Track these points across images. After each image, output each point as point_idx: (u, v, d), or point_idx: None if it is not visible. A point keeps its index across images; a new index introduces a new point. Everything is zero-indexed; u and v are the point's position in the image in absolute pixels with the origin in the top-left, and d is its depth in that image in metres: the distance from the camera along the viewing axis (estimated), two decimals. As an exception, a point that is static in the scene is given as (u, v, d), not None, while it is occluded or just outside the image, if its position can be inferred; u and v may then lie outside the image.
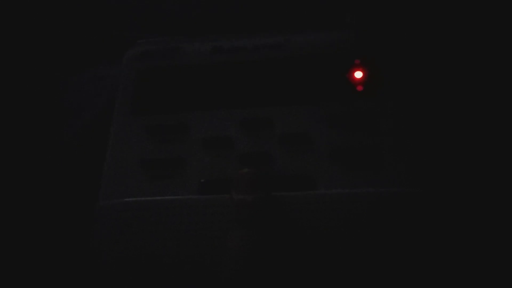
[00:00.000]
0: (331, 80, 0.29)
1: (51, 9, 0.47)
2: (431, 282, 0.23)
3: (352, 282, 0.23)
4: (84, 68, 0.44)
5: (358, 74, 0.28)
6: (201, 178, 0.27)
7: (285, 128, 0.28)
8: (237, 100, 0.29)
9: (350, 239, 0.24)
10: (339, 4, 0.34)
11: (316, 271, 0.23)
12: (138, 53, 0.32)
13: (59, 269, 0.33)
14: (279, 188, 0.26)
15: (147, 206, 0.27)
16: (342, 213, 0.24)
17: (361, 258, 0.24)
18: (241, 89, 0.30)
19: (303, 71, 0.29)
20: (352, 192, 0.25)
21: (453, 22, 0.32)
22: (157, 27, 0.45)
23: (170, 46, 0.32)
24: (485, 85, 0.30)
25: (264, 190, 0.25)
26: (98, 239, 0.27)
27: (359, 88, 0.28)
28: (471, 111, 0.28)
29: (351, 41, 0.29)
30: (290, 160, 0.27)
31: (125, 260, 0.26)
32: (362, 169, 0.26)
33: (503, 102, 0.29)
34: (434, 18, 0.32)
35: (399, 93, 0.27)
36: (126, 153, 0.29)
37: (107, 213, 0.27)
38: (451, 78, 0.30)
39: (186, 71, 0.31)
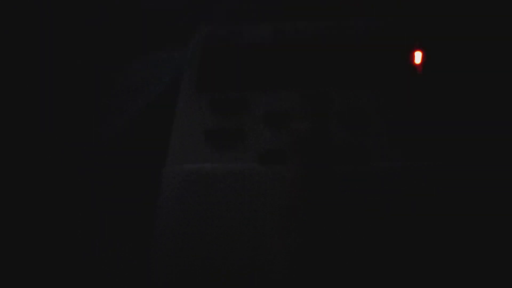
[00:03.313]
0: (391, 63, 0.30)
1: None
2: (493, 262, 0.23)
3: (402, 258, 0.24)
4: (146, 52, 0.47)
5: (418, 58, 0.29)
6: (261, 150, 0.29)
7: (343, 106, 0.29)
8: (298, 80, 0.31)
9: (407, 211, 0.25)
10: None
11: (368, 246, 0.24)
12: (204, 35, 0.35)
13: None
14: (335, 161, 0.27)
15: (209, 172, 0.29)
16: (396, 187, 0.25)
17: (415, 234, 0.24)
18: (302, 70, 0.31)
19: (361, 54, 0.31)
20: (407, 165, 0.26)
21: None
22: (216, 16, 0.48)
23: (234, 29, 0.34)
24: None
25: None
26: (163, 201, 0.29)
27: (419, 70, 0.29)
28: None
29: (411, 24, 0.30)
30: (347, 137, 0.28)
31: (188, 221, 0.28)
32: (418, 147, 0.27)
33: None
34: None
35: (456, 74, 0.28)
36: (191, 124, 0.31)
37: (173, 177, 0.29)
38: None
39: (248, 52, 0.33)
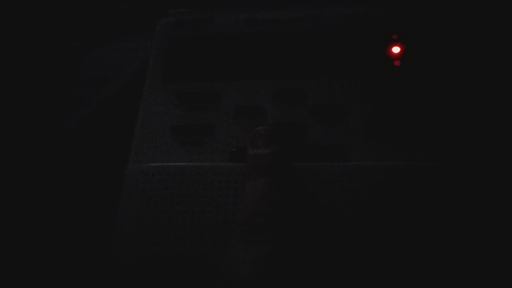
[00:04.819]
0: (367, 54, 0.28)
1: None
2: (467, 259, 0.22)
3: (377, 256, 0.23)
4: (109, 40, 0.44)
5: (396, 49, 0.28)
6: (232, 147, 0.27)
7: (318, 99, 0.27)
8: (270, 70, 0.29)
9: (381, 212, 0.24)
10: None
11: (342, 241, 0.23)
12: (171, 22, 0.32)
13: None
14: (311, 158, 0.25)
15: (176, 171, 0.27)
16: (374, 185, 0.24)
17: (389, 232, 0.23)
18: (274, 60, 0.29)
19: (337, 44, 0.29)
20: (384, 165, 0.24)
21: None
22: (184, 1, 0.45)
23: (203, 16, 0.32)
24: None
25: (280, 142, 0.25)
26: (126, 202, 0.27)
27: (396, 63, 0.27)
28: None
29: (389, 15, 0.29)
30: (322, 131, 0.26)
31: (152, 222, 0.26)
32: (396, 143, 0.25)
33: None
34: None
35: (436, 67, 0.27)
36: (156, 119, 0.29)
37: (136, 176, 0.27)
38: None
39: (218, 41, 0.31)
